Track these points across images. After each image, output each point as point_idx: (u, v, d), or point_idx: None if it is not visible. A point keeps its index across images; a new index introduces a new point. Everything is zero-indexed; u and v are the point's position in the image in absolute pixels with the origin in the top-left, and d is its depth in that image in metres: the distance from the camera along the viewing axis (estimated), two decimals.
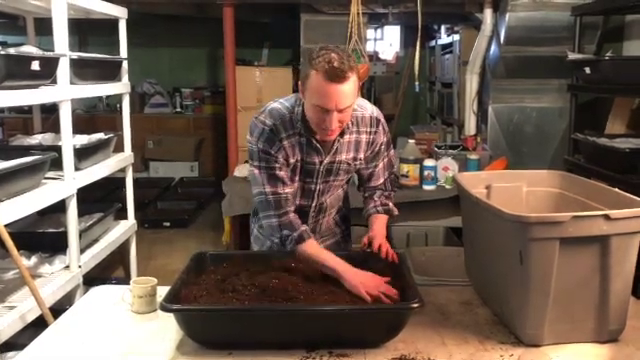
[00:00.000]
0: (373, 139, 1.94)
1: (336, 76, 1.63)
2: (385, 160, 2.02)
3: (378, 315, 1.58)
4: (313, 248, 1.81)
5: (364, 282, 1.66)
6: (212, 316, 1.56)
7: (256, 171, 1.86)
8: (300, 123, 1.83)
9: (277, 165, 1.83)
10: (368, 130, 1.92)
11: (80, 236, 2.86)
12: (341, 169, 1.94)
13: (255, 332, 1.54)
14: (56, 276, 2.71)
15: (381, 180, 2.03)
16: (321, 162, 1.90)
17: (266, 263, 1.86)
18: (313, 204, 1.99)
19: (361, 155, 1.95)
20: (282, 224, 1.84)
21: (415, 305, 1.51)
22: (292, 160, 1.86)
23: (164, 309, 1.51)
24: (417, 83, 4.52)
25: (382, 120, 1.96)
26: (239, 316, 1.56)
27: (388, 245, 1.87)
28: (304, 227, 1.84)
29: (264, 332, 1.54)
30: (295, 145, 1.85)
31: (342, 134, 1.86)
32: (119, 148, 3.59)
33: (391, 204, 2.04)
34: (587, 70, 3.20)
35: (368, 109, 1.93)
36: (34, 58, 2.40)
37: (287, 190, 1.85)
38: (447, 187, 3.49)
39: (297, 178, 1.90)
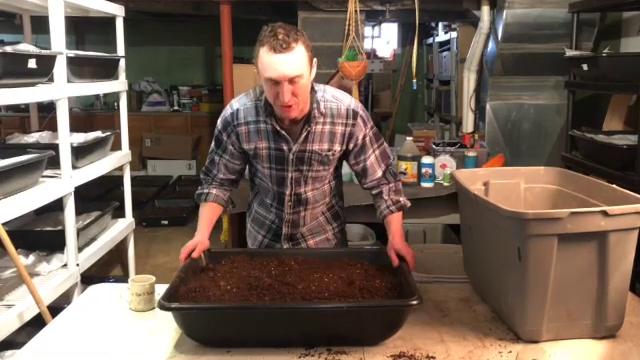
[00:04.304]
0: (351, 131, 1.94)
1: (280, 46, 1.70)
2: (377, 152, 2.00)
3: (376, 312, 1.57)
4: (204, 210, 2.02)
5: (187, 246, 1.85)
6: (210, 314, 1.55)
7: (212, 144, 2.04)
8: (263, 110, 1.89)
9: (220, 152, 2.01)
10: (344, 122, 1.92)
11: (78, 234, 2.86)
12: (313, 159, 1.95)
13: (253, 330, 1.53)
14: (54, 275, 2.71)
15: (379, 173, 2.00)
16: (290, 149, 1.92)
17: (265, 260, 1.85)
18: (288, 192, 2.00)
19: (336, 147, 1.94)
20: (201, 181, 2.08)
21: (414, 302, 1.51)
22: (248, 147, 1.95)
23: (162, 307, 1.51)
24: (415, 81, 4.52)
25: (361, 113, 1.95)
26: (237, 314, 1.55)
27: (411, 252, 1.81)
28: (213, 191, 2.03)
29: (262, 330, 1.53)
30: (254, 132, 1.93)
31: (309, 122, 1.88)
32: (116, 146, 3.58)
33: (402, 198, 2.01)
34: (584, 67, 3.20)
35: (345, 102, 1.93)
36: (31, 56, 2.39)
37: (219, 175, 2.04)
38: (445, 184, 3.49)
39: (267, 165, 1.98)
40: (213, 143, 2.02)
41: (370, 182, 2.01)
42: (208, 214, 2.01)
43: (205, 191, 2.04)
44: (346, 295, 1.63)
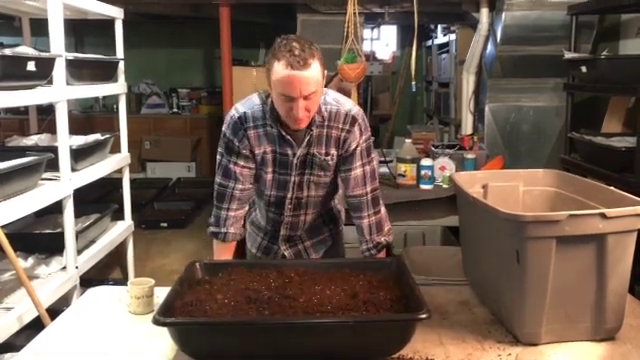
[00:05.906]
0: (345, 137, 1.90)
1: (297, 63, 1.67)
2: (366, 168, 1.96)
3: (383, 327, 1.49)
4: (218, 249, 2.01)
5: None
6: (208, 330, 1.47)
7: (219, 157, 1.96)
8: (269, 114, 1.86)
9: (234, 158, 1.91)
10: (340, 126, 1.90)
11: (77, 237, 2.86)
12: (315, 162, 1.93)
13: (253, 346, 1.45)
14: (53, 277, 2.71)
15: (361, 190, 1.96)
16: (294, 154, 1.90)
17: (264, 271, 1.80)
18: (289, 195, 1.98)
19: (332, 151, 1.92)
20: (215, 215, 1.99)
21: (423, 316, 1.44)
22: (258, 151, 1.91)
23: (157, 323, 1.42)
24: (414, 83, 4.52)
25: (360, 121, 1.91)
26: (236, 329, 1.47)
27: None
28: (231, 230, 1.98)
29: (263, 346, 1.45)
30: (263, 136, 1.89)
31: (310, 126, 1.86)
32: (116, 149, 3.59)
33: (383, 238, 1.99)
34: (583, 69, 3.20)
35: (346, 106, 1.91)
36: (30, 59, 2.40)
37: (238, 186, 1.93)
38: (444, 186, 3.49)
39: (270, 169, 1.94)
40: (222, 155, 1.93)
41: (352, 196, 1.98)
42: (227, 254, 2.02)
43: (223, 231, 1.98)
44: (350, 308, 1.56)
